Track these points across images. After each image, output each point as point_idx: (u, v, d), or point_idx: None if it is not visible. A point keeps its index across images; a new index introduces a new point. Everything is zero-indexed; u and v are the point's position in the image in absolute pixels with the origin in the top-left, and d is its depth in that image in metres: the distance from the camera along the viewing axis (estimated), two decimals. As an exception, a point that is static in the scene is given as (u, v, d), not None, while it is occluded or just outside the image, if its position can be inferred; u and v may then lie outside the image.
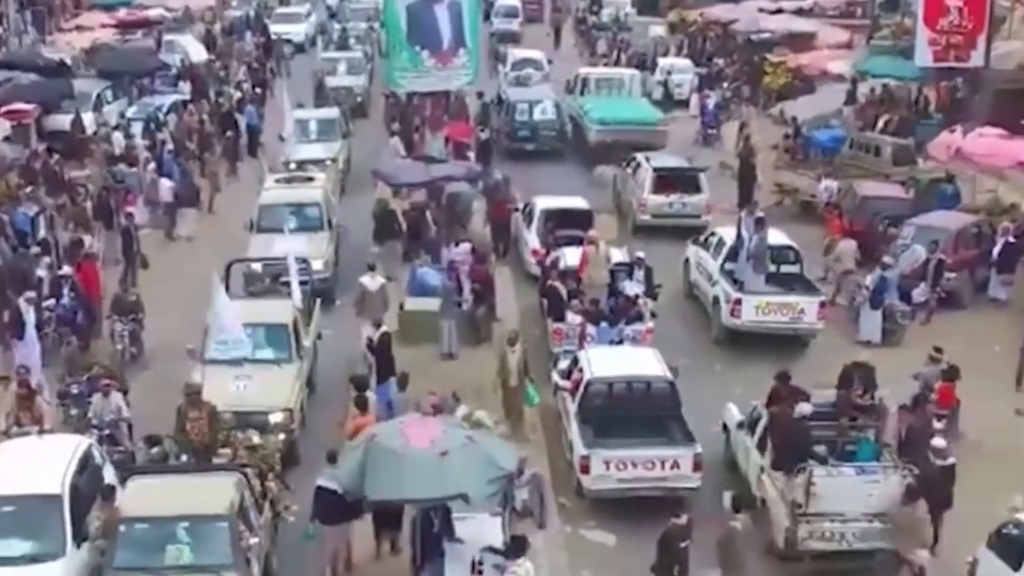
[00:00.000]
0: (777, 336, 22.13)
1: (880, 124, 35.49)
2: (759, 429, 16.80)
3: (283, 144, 31.36)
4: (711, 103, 38.15)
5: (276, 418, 18.22)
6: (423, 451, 13.57)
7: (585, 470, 16.68)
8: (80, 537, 14.75)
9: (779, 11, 48.65)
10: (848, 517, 15.06)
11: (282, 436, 17.89)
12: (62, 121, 35.50)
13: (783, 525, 15.35)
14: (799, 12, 48.76)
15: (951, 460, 15.81)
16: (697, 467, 16.63)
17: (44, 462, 15.73)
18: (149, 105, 37.75)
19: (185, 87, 41.07)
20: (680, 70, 43.28)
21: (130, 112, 37.51)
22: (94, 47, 45.80)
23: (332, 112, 33.57)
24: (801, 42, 44.07)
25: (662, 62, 44.37)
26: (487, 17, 46.37)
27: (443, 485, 13.29)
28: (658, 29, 51.48)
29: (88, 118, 36.10)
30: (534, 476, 15.43)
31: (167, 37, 48.14)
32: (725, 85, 42.06)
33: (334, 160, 30.39)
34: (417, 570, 14.22)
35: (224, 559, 14.02)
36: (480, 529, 14.39)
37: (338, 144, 31.77)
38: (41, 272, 23.63)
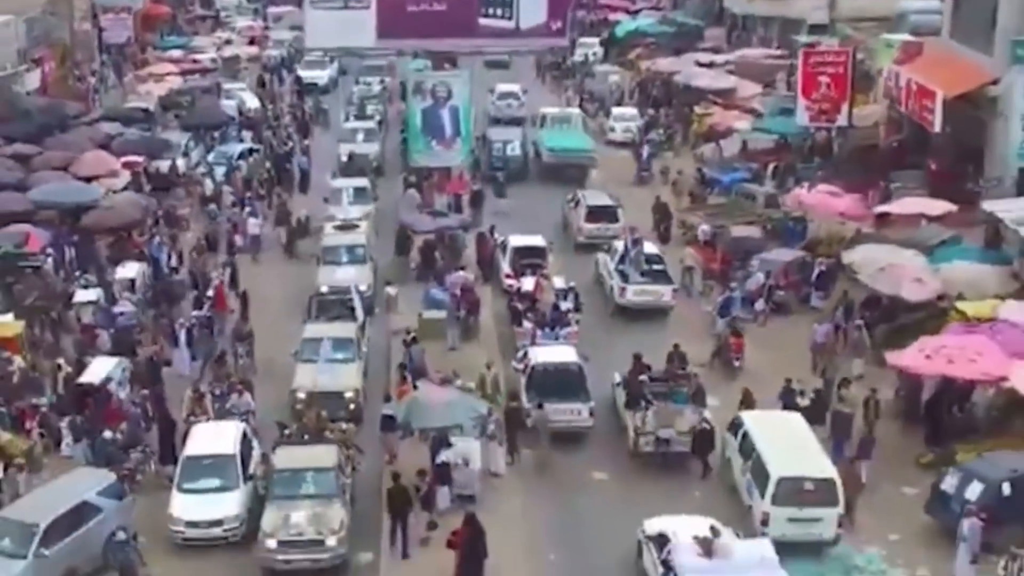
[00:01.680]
0: (648, 310, 35.79)
1: (770, 169, 48.10)
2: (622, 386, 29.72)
3: (328, 204, 43.32)
4: (646, 152, 50.83)
5: (348, 395, 29.93)
6: (438, 403, 26.43)
7: (528, 415, 29.27)
8: (246, 478, 26.36)
9: (711, 64, 61.20)
10: (663, 435, 27.78)
11: (352, 407, 29.98)
12: (162, 167, 48.03)
13: (632, 437, 28.23)
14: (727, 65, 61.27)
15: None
16: (591, 414, 29.34)
17: (223, 436, 27.32)
18: (225, 153, 50.25)
19: (247, 135, 53.76)
20: (628, 118, 56.11)
21: (210, 158, 50.05)
22: (169, 95, 58.37)
23: (364, 181, 45.47)
24: (724, 94, 56.65)
25: (615, 111, 57.19)
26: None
27: (449, 419, 26.16)
28: (615, 77, 64.26)
29: (180, 164, 48.69)
30: (497, 420, 28.14)
31: (225, 86, 60.61)
32: (660, 132, 54.74)
33: (368, 215, 42.33)
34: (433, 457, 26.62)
35: (332, 491, 25.03)
36: (467, 446, 27.01)
37: (371, 206, 43.73)
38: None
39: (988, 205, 37.07)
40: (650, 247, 37.58)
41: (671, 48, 67.47)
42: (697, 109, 55.07)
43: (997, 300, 32.40)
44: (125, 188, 44.40)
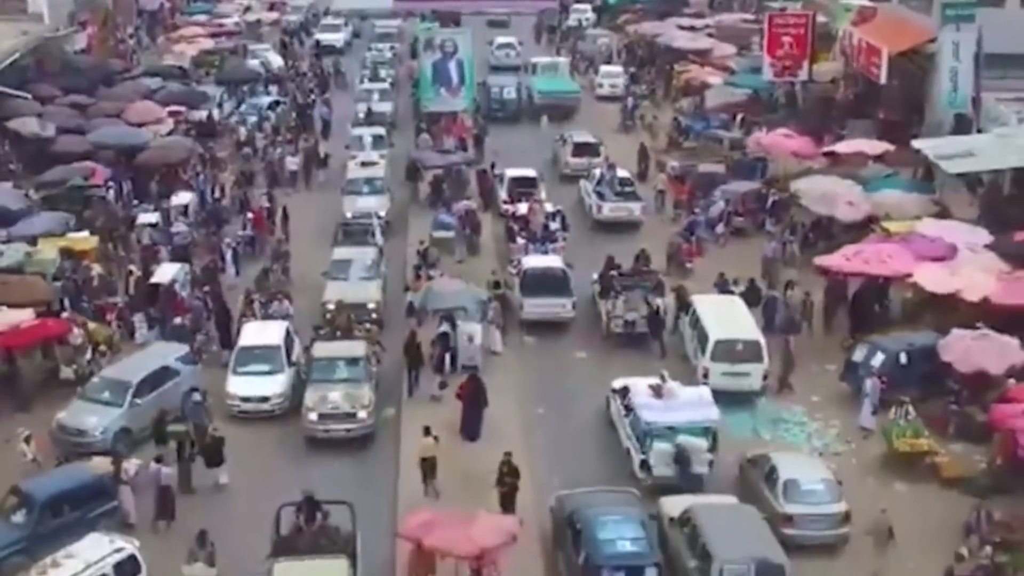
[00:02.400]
0: (621, 224, 42.48)
1: (738, 119, 54.21)
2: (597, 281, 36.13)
3: (350, 150, 49.65)
4: (630, 103, 57.08)
5: (371, 305, 35.73)
6: (448, 290, 32.87)
7: (522, 307, 35.61)
8: (289, 364, 32.26)
9: (692, 28, 67.35)
10: (629, 318, 34.13)
11: (375, 315, 35.67)
12: (198, 116, 54.19)
13: (604, 321, 34.64)
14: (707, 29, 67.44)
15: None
16: (574, 307, 35.67)
17: (270, 331, 33.21)
18: (255, 104, 56.52)
19: (273, 89, 60.03)
20: (614, 75, 62.33)
21: (242, 109, 56.34)
22: (200, 55, 64.51)
23: (381, 129, 51.89)
24: (702, 54, 62.77)
25: (603, 69, 63.40)
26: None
27: (456, 302, 32.63)
28: (604, 39, 70.52)
29: (216, 113, 54.90)
30: (496, 308, 34.47)
31: (251, 47, 66.84)
32: (643, 87, 60.94)
33: (384, 156, 48.32)
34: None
35: (362, 376, 30.55)
36: (471, 327, 33.30)
37: (387, 150, 49.85)
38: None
39: (916, 143, 43.26)
40: (623, 172, 44.44)
41: (657, 13, 73.55)
42: (677, 67, 61.18)
43: (916, 220, 38.69)
44: (170, 133, 50.53)
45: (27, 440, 28.40)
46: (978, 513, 25.44)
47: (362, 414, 30.11)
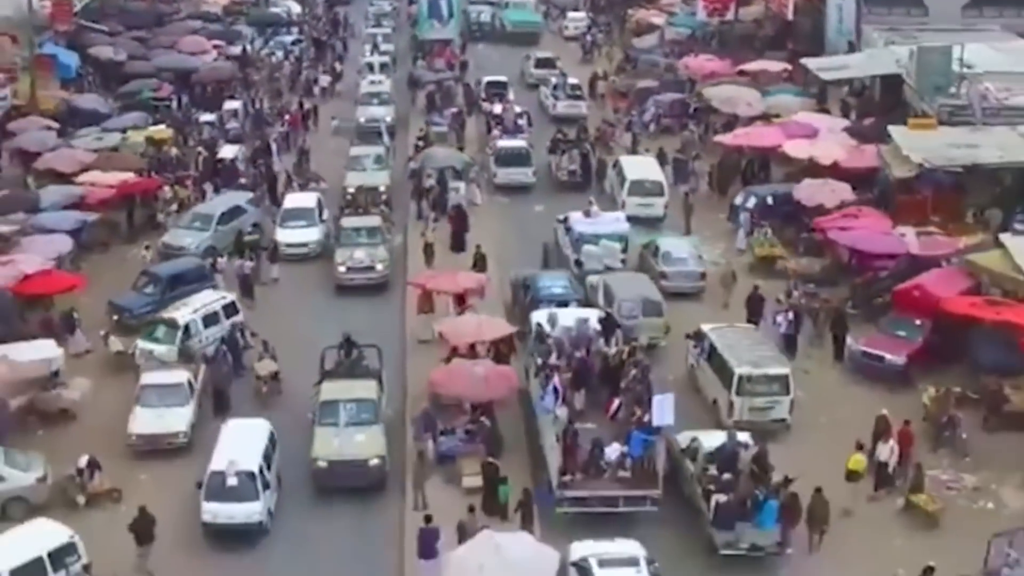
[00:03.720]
0: (571, 118, 54.58)
1: (676, 50, 66.41)
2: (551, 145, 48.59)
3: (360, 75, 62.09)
4: (589, 41, 69.46)
5: (382, 189, 46.86)
6: (442, 155, 45.36)
7: (496, 176, 47.95)
8: (320, 221, 43.78)
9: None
10: (571, 168, 46.70)
11: (385, 198, 47.56)
12: (235, 50, 66.25)
13: (554, 172, 47.13)
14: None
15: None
16: (534, 174, 48.03)
17: (306, 198, 44.83)
18: (281, 42, 68.85)
19: (294, 31, 72.29)
20: (578, 19, 74.80)
21: (271, 45, 68.64)
22: (231, 4, 76.53)
23: (386, 58, 64.60)
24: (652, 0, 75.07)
25: (569, 14, 75.85)
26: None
27: (448, 162, 45.21)
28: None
29: (249, 48, 67.07)
30: (478, 172, 46.84)
31: (273, -2, 79.16)
32: (602, 28, 73.30)
33: (388, 78, 60.99)
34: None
35: (379, 240, 40.89)
36: (459, 184, 45.58)
37: (390, 74, 62.37)
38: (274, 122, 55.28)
39: (803, 61, 55.64)
40: (573, 79, 56.92)
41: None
42: (629, 11, 73.51)
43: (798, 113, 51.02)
44: (215, 60, 62.75)
45: (147, 248, 40.79)
46: (793, 283, 37.87)
47: (379, 267, 40.41)
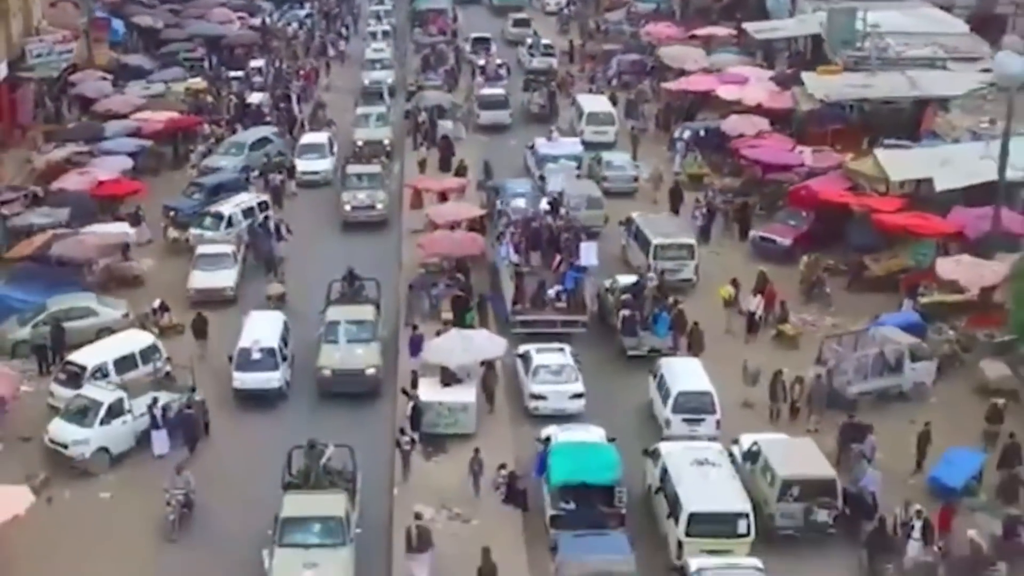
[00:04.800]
0: (544, 71, 64.59)
1: (640, 21, 75.76)
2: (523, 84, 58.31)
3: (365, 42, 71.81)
4: (566, 14, 79.21)
5: (385, 141, 55.84)
6: (433, 95, 55.06)
7: (479, 116, 57.53)
8: (331, 154, 54.31)
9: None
10: (540, 102, 56.41)
11: (388, 149, 56.63)
12: (256, 21, 75.83)
13: (525, 107, 56.79)
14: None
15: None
16: (511, 117, 57.71)
17: (320, 136, 54.58)
18: (296, 14, 78.64)
19: (307, 6, 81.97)
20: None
21: (287, 17, 78.34)
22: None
23: (388, 26, 74.24)
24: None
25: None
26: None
27: (439, 101, 55.40)
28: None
29: (268, 20, 76.73)
30: (464, 113, 56.48)
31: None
32: (575, 2, 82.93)
33: (389, 46, 70.63)
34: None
35: (379, 183, 48.36)
36: (448, 123, 55.15)
37: (391, 45, 71.72)
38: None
39: (744, 25, 65.18)
40: (546, 40, 66.66)
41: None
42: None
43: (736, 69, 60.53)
44: (239, 28, 72.52)
45: (193, 167, 50.49)
46: (711, 191, 47.42)
47: (379, 206, 47.35)
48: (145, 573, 27.49)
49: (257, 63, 65.41)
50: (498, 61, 63.74)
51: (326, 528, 26.08)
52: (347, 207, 47.58)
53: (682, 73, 61.81)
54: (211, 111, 58.32)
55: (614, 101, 57.91)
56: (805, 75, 54.23)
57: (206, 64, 66.25)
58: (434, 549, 26.52)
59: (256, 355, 34.24)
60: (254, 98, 59.17)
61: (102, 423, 31.07)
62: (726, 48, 65.33)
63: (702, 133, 53.36)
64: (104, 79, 59.99)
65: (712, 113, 57.12)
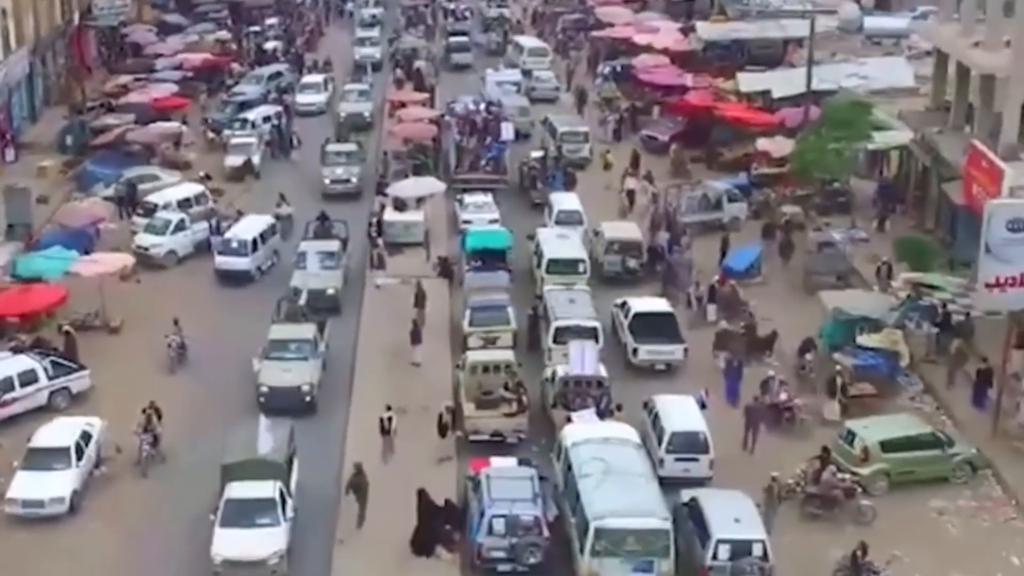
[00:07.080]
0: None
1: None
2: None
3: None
4: None
5: (366, 114, 68.89)
6: (410, 40, 70.63)
7: (449, 59, 73.16)
8: (325, 90, 70.34)
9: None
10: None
11: (369, 120, 70.77)
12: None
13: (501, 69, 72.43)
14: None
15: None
16: (474, 58, 73.19)
17: (318, 79, 70.82)
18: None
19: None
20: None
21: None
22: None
23: (379, 11, 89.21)
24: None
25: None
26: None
27: (416, 46, 70.55)
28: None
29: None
30: (434, 56, 71.95)
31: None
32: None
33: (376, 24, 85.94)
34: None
35: (361, 155, 58.98)
36: (420, 60, 70.68)
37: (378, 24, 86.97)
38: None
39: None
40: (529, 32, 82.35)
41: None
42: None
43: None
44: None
45: (221, 88, 66.12)
46: (622, 107, 62.93)
47: (354, 180, 53.32)
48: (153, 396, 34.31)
49: (272, 20, 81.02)
50: (463, 6, 79.84)
51: (300, 347, 36.67)
52: (326, 180, 53.49)
53: (611, 26, 77.36)
54: (235, 55, 73.81)
55: (557, 49, 73.84)
56: (700, 24, 69.81)
57: (230, 22, 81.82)
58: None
59: (234, 244, 44.81)
60: (269, 45, 74.79)
61: (172, 233, 46.48)
62: (652, 8, 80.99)
63: (618, 68, 68.75)
64: (150, 31, 75.62)
65: (630, 56, 72.61)
